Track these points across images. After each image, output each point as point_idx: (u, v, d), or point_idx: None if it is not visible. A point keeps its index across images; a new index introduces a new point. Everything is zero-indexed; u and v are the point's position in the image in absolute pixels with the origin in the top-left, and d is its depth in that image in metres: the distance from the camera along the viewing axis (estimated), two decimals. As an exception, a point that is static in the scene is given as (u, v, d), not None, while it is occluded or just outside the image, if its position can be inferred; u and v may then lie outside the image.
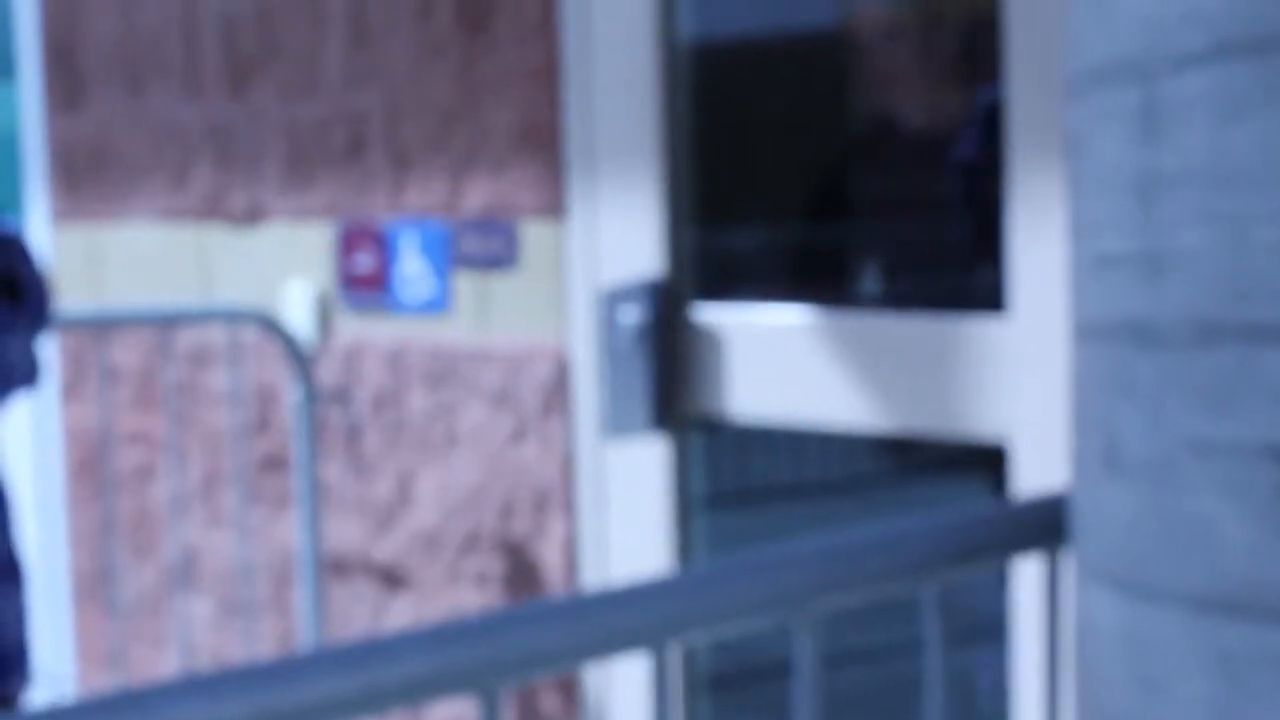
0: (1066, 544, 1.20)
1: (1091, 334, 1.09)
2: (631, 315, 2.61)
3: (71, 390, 4.30)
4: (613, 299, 2.61)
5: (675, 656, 0.91)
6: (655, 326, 2.60)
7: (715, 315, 2.61)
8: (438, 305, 3.33)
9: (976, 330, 2.05)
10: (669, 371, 2.63)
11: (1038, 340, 1.97)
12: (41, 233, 4.34)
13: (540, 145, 3.08)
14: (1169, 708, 1.00)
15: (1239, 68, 0.98)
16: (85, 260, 4.21)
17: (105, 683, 4.31)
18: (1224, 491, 0.98)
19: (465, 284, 3.26)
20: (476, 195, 3.23)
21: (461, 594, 3.35)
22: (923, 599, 1.09)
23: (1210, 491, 0.99)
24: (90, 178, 4.15)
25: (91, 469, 4.28)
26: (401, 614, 3.49)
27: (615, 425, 2.63)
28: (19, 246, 2.09)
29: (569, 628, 0.96)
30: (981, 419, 2.05)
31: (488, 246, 3.20)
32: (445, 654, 0.94)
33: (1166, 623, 1.01)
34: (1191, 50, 1.01)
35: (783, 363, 2.50)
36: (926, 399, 2.16)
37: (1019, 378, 1.97)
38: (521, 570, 3.23)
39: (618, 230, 2.73)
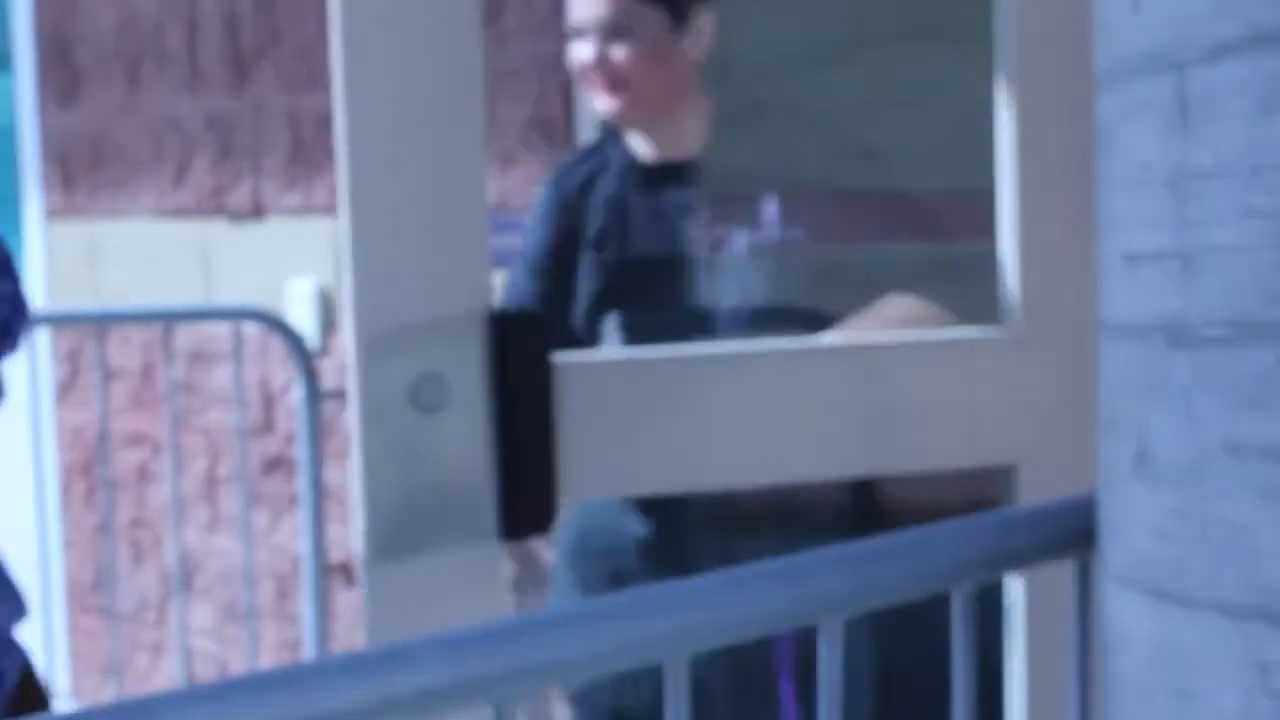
0: (1097, 549, 1.18)
1: (1121, 334, 1.06)
2: (445, 362, 1.63)
3: (67, 391, 4.27)
4: (381, 347, 1.62)
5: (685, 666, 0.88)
6: (502, 377, 1.66)
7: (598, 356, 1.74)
8: (440, 302, 3.31)
9: (977, 346, 1.95)
10: (537, 446, 1.66)
11: (1043, 355, 1.92)
12: (37, 230, 4.31)
13: (550, 139, 3.05)
14: (1204, 719, 0.98)
15: (1276, 57, 0.96)
16: (82, 257, 4.18)
17: (103, 692, 4.28)
18: (1260, 495, 0.96)
19: (468, 281, 3.24)
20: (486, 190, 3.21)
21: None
22: (952, 603, 1.07)
23: (1246, 495, 0.97)
24: (88, 173, 4.12)
25: (88, 471, 4.25)
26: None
27: (394, 544, 1.61)
28: None
29: (586, 637, 0.93)
30: (985, 444, 1.91)
31: (498, 241, 3.18)
32: (458, 663, 0.91)
33: (1201, 631, 0.98)
34: (1226, 40, 0.98)
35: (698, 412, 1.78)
36: (925, 428, 1.91)
37: (1027, 396, 1.91)
38: (533, 577, 3.20)
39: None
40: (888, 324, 2.25)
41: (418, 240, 1.63)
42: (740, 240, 2.33)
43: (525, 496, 1.65)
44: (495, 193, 3.17)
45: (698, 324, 2.34)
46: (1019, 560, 1.10)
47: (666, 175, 2.36)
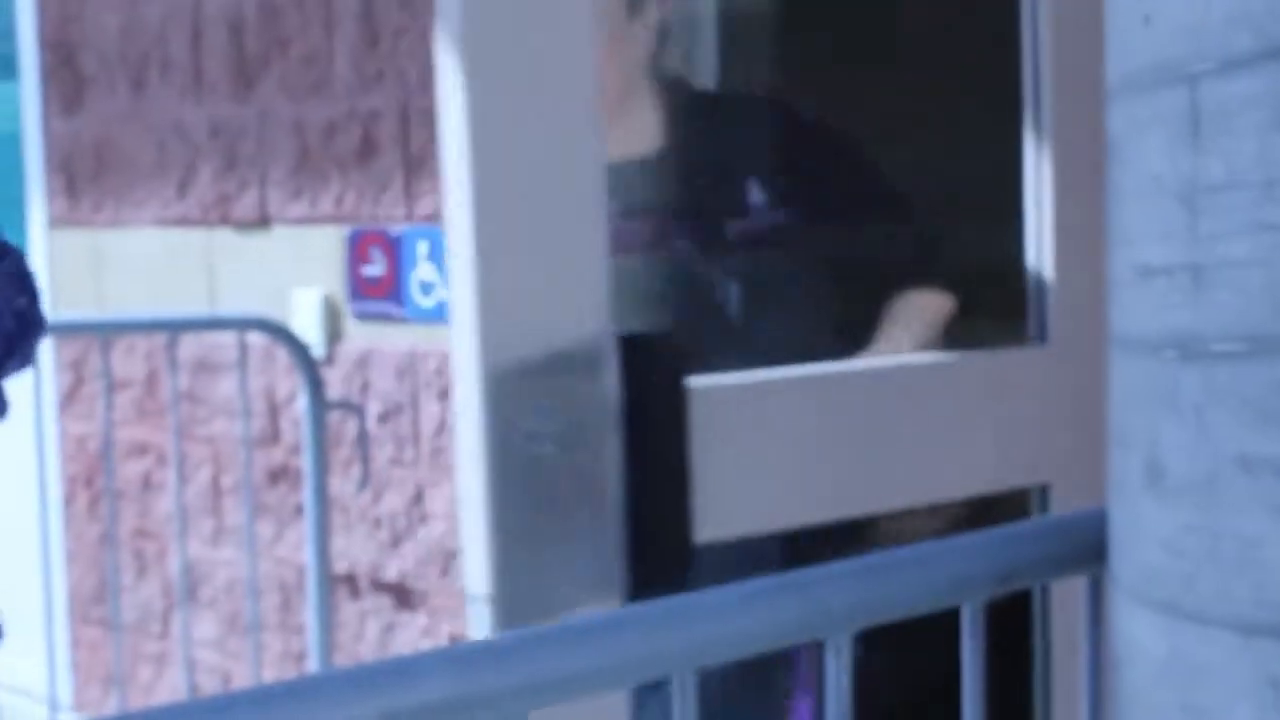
0: (1108, 564, 1.17)
1: (1132, 347, 1.06)
2: (586, 400, 1.45)
3: (70, 400, 4.27)
4: (506, 379, 1.43)
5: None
6: (643, 414, 1.48)
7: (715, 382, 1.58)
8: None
9: (1013, 366, 1.88)
10: (673, 485, 1.48)
11: (1075, 373, 1.89)
12: (40, 238, 4.31)
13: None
14: (1216, 735, 0.97)
15: (1289, 71, 0.95)
16: (86, 266, 4.18)
17: (105, 705, 4.27)
18: (1272, 511, 0.95)
19: (473, 291, 3.23)
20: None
21: (468, 605, 3.32)
22: (962, 618, 1.07)
23: (1257, 510, 0.96)
24: (92, 181, 4.12)
25: (91, 481, 4.24)
26: (413, 634, 3.46)
27: (519, 601, 1.41)
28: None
29: (598, 650, 0.93)
30: (1019, 464, 1.82)
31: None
32: (464, 677, 0.91)
33: (1212, 647, 0.97)
34: (1237, 53, 0.97)
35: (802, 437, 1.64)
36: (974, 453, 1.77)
37: (1059, 415, 1.87)
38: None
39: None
40: (934, 318, 2.17)
41: (542, 261, 1.45)
42: (730, 230, 2.20)
43: (659, 543, 1.46)
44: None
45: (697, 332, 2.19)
46: (1029, 575, 1.10)
47: (626, 178, 2.16)
